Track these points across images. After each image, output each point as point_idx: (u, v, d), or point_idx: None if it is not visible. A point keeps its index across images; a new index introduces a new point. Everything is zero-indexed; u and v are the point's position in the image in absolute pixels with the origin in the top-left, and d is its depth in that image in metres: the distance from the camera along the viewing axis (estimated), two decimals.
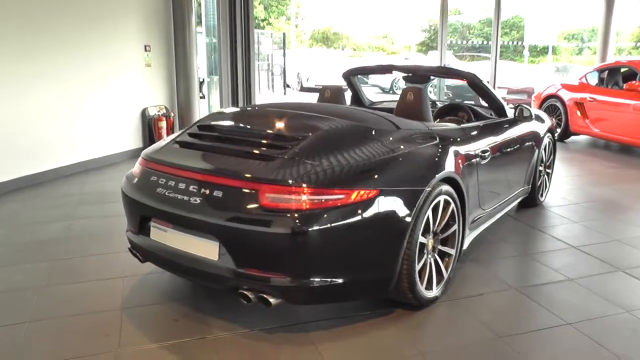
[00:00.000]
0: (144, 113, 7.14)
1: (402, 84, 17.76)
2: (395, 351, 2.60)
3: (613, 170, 6.66)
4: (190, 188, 2.65)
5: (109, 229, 4.30)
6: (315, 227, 2.42)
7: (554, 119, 8.21)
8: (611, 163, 7.05)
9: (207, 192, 2.59)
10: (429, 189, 2.82)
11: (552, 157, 5.09)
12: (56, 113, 5.89)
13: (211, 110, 8.43)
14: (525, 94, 11.84)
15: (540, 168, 4.79)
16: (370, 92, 17.88)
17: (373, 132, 2.97)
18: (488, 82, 4.36)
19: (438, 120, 4.22)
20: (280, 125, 3.06)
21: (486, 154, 3.57)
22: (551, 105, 8.52)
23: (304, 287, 2.52)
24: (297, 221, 2.41)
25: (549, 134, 4.87)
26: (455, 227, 3.13)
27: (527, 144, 4.39)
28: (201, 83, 9.00)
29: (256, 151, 2.76)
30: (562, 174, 6.24)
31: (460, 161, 3.20)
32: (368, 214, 2.54)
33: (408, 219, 2.69)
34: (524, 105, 4.36)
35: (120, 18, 6.67)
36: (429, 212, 2.83)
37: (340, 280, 2.55)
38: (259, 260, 2.53)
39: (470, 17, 28.21)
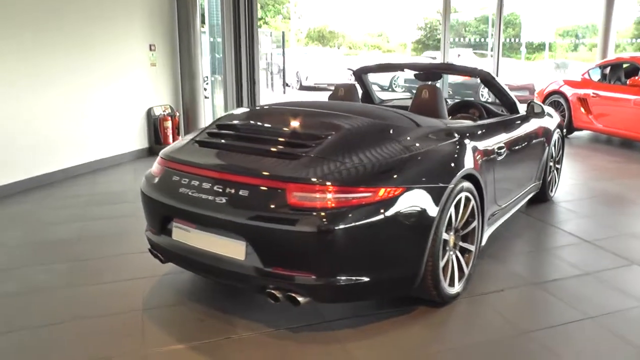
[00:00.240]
0: (149, 113, 7.11)
1: (401, 82, 17.77)
2: (422, 349, 2.61)
3: (616, 164, 6.71)
4: (215, 187, 2.64)
5: (122, 229, 4.30)
6: (342, 226, 2.42)
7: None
8: (614, 158, 7.10)
9: (233, 191, 2.58)
10: (452, 185, 2.83)
11: (561, 152, 5.13)
12: (62, 113, 5.85)
13: (215, 110, 8.41)
14: (526, 91, 11.87)
15: (551, 163, 4.82)
16: None
17: (395, 130, 2.98)
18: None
19: (450, 117, 4.23)
20: (302, 123, 3.04)
21: (502, 150, 3.59)
22: (554, 101, 8.55)
23: (331, 285, 2.52)
24: (324, 220, 2.41)
25: (558, 130, 4.90)
26: (474, 223, 3.14)
27: (539, 139, 4.42)
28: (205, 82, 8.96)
29: (280, 150, 2.75)
30: (567, 170, 6.26)
31: (479, 158, 3.22)
32: (394, 211, 2.54)
33: (433, 216, 2.70)
34: (535, 102, 4.38)
35: (125, 17, 6.63)
36: (452, 209, 2.85)
37: (366, 279, 2.55)
38: (286, 259, 2.52)
39: (467, 15, 28.33)
